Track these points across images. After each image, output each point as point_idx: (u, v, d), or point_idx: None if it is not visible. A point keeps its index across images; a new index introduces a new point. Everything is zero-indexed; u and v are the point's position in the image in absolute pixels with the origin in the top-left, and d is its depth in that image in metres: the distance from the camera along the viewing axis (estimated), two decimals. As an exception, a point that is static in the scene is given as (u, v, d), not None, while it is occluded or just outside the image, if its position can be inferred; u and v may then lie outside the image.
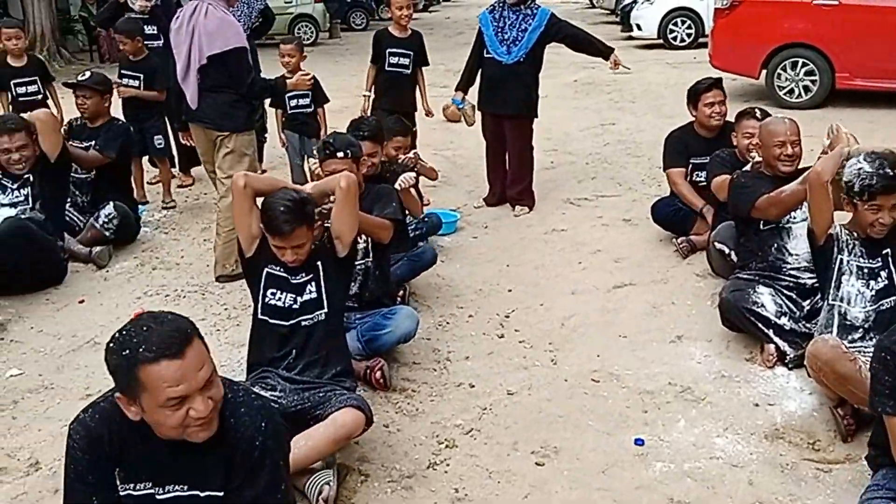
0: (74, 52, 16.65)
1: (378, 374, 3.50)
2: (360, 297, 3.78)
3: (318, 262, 3.15)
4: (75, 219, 5.34)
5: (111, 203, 5.25)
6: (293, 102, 6.21)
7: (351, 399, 2.90)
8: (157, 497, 2.05)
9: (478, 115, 6.23)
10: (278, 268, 3.14)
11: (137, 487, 2.05)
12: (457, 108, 6.22)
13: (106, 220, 5.19)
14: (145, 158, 6.59)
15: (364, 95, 6.36)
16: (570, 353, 3.95)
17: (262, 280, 3.15)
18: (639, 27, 16.02)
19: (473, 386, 3.63)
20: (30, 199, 4.84)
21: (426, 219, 5.14)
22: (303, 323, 3.13)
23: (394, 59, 6.14)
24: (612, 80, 11.02)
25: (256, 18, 7.11)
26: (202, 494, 2.05)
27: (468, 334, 4.16)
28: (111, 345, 1.88)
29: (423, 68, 6.44)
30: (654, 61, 13.71)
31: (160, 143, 6.41)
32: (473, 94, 6.18)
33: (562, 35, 5.95)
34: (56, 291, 4.70)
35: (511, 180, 6.18)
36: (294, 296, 3.13)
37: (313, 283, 3.14)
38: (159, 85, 6.19)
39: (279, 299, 3.13)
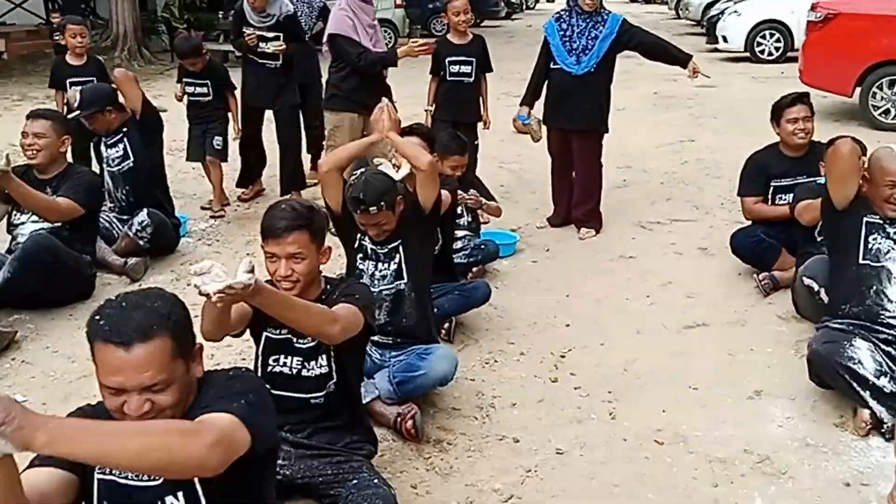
0: (156, 52, 16.78)
1: (409, 423, 3.11)
2: (394, 326, 3.39)
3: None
4: (113, 224, 5.11)
5: (145, 210, 4.98)
6: None
7: (377, 498, 2.42)
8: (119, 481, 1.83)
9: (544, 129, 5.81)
10: (278, 331, 2.67)
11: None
12: (522, 124, 5.79)
13: (139, 227, 4.91)
14: (224, 165, 6.39)
15: (426, 111, 5.98)
16: (631, 405, 3.49)
17: (261, 345, 2.73)
18: (725, 39, 15.28)
19: (518, 441, 3.21)
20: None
21: (482, 245, 4.78)
22: (312, 400, 2.69)
23: (455, 68, 5.75)
24: (694, 93, 10.44)
25: (317, 19, 6.85)
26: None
27: (517, 376, 3.74)
28: (98, 305, 1.80)
29: (490, 76, 6.06)
30: (739, 75, 13.01)
31: (219, 145, 6.22)
32: (539, 107, 5.76)
33: (634, 42, 5.47)
34: (82, 306, 4.36)
35: (577, 200, 5.73)
36: (301, 360, 2.68)
37: (324, 356, 2.68)
38: (229, 89, 6.24)
39: (284, 364, 2.69)
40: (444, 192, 3.61)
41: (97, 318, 1.75)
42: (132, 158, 5.10)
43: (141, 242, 4.92)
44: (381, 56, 5.44)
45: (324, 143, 6.58)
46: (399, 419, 3.13)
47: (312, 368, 2.67)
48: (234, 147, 6.42)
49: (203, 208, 6.24)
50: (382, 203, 3.21)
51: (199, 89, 6.16)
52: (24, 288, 4.17)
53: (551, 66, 5.53)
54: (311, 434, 2.68)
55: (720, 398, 3.52)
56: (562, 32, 5.46)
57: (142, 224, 4.92)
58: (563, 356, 3.93)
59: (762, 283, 4.53)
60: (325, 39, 5.48)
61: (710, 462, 3.06)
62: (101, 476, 1.85)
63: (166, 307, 1.78)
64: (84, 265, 4.49)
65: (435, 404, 3.42)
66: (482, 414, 3.40)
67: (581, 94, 5.42)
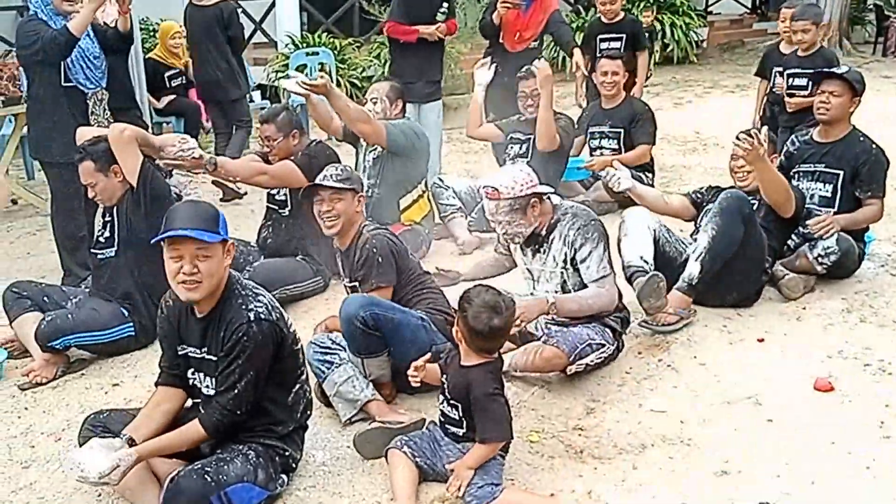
0: (857, 43, 15.51)
1: None
2: None
3: None
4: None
5: (835, 236, 4.20)
6: None
7: None
8: None
9: None
10: None
11: None
12: None
13: (823, 252, 4.17)
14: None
15: None
16: None
17: None
18: None
19: None
20: None
21: None
22: None
23: None
24: None
25: None
26: None
27: None
28: None
29: None
30: None
31: None
32: None
33: None
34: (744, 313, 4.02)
35: None
36: None
37: None
38: None
39: None
40: None
41: None
42: None
43: (819, 268, 4.21)
44: None
45: None
46: None
47: None
48: None
49: None
50: None
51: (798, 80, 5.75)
52: (728, 245, 3.90)
53: None
54: None
55: None
56: None
57: (827, 250, 4.18)
58: None
59: None
60: None
61: None
62: None
63: None
64: (762, 265, 4.10)
65: None
66: None
67: None
